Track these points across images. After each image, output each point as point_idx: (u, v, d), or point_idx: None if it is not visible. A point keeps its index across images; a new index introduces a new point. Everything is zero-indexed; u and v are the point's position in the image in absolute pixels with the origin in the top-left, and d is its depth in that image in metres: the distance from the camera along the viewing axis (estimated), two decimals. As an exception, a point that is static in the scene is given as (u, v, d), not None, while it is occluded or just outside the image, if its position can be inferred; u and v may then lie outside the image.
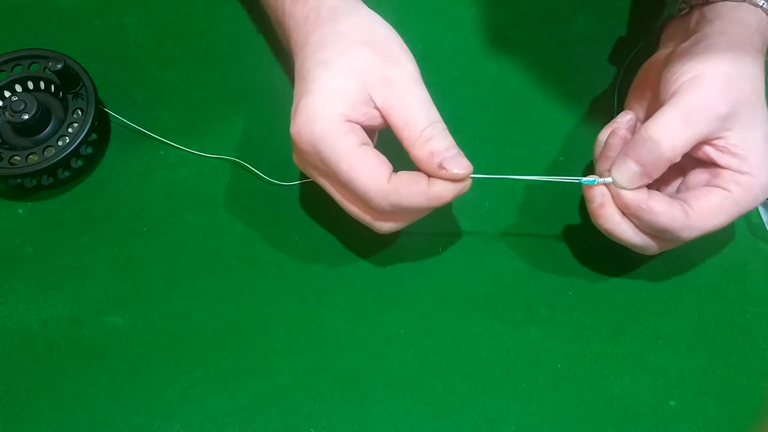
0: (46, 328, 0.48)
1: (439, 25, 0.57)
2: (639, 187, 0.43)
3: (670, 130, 0.42)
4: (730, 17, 0.45)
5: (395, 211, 0.43)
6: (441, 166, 0.41)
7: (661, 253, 0.46)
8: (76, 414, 0.46)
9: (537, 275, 0.50)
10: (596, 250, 0.50)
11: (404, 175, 0.42)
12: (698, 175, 0.45)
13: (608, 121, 0.48)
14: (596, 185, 0.44)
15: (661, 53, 0.49)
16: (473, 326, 0.48)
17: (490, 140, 0.53)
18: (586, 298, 0.49)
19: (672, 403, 0.46)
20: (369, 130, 0.44)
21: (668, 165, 0.43)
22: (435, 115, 0.42)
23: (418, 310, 0.49)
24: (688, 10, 0.49)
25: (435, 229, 0.51)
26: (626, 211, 0.44)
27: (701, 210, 0.42)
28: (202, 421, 0.46)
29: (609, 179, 0.43)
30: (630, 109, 0.49)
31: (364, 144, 0.42)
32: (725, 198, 0.42)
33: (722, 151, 0.43)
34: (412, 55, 0.44)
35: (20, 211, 0.51)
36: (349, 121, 0.42)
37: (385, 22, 0.45)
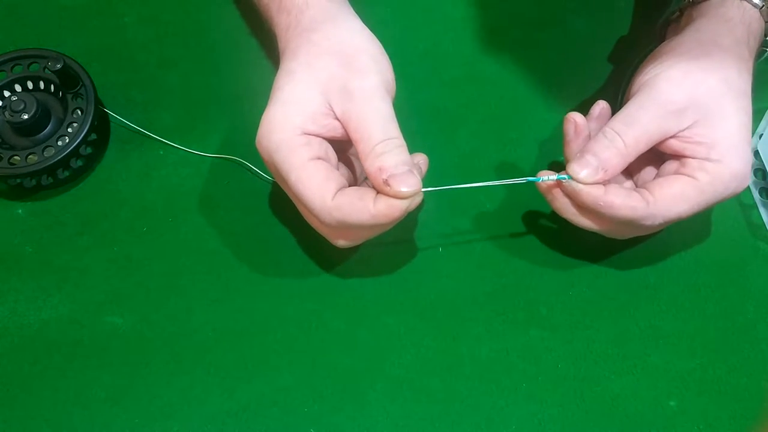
0: (45, 328, 0.48)
1: (440, 25, 0.57)
2: (596, 182, 0.42)
3: (625, 129, 0.43)
4: (711, 14, 0.46)
5: (343, 227, 0.42)
6: (386, 183, 0.40)
7: (650, 237, 0.47)
8: (75, 414, 0.46)
9: (537, 275, 0.50)
10: (597, 250, 0.50)
11: (350, 192, 0.41)
12: (670, 166, 0.45)
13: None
14: (546, 182, 0.44)
15: None
16: (473, 326, 0.48)
17: (490, 140, 0.53)
18: (587, 298, 0.49)
19: (672, 403, 0.46)
20: (337, 142, 0.43)
21: (625, 163, 0.43)
22: (393, 130, 0.41)
23: (418, 310, 0.49)
24: (679, 13, 0.49)
25: (435, 229, 0.51)
26: (585, 208, 0.43)
27: (663, 197, 0.42)
28: (201, 422, 0.46)
29: (556, 176, 0.43)
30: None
31: (317, 158, 0.42)
32: (689, 185, 0.42)
33: (687, 143, 0.43)
34: (387, 67, 0.44)
35: (20, 211, 0.51)
36: (306, 133, 0.42)
37: (367, 33, 0.45)
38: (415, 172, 0.41)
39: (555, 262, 0.50)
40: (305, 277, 0.49)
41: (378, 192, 0.41)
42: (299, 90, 0.42)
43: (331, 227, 0.43)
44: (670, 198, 0.42)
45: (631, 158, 0.43)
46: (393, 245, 0.50)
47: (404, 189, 0.40)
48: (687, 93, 0.42)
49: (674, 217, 0.42)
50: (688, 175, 0.42)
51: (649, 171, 0.47)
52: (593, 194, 0.42)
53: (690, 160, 0.43)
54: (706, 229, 0.51)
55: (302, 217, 0.46)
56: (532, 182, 0.44)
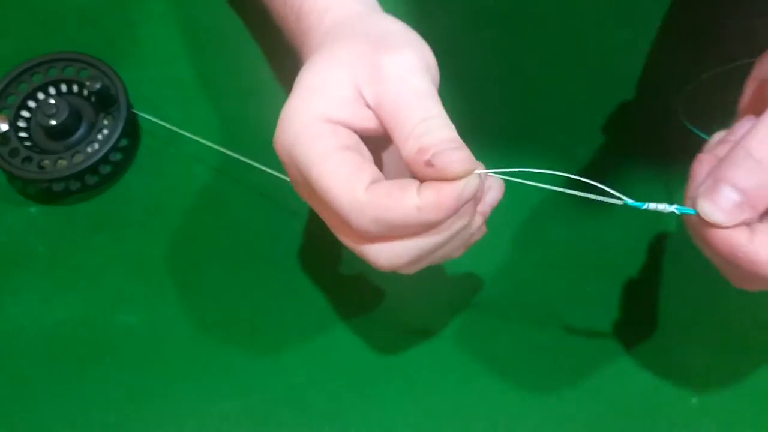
0: (59, 328, 0.48)
1: (465, 22, 0.56)
2: (737, 225, 0.31)
3: None
4: None
5: (381, 230, 0.33)
6: (429, 164, 0.31)
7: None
8: (90, 413, 0.45)
9: (556, 272, 0.49)
10: (615, 247, 0.50)
11: (387, 183, 0.32)
12: None
13: (639, 122, 0.44)
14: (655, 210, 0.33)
15: None
16: (489, 324, 0.48)
17: (517, 139, 0.52)
18: (606, 294, 0.48)
19: (694, 400, 0.46)
20: (373, 139, 0.36)
21: None
22: (434, 108, 0.33)
23: (433, 307, 0.48)
24: None
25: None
26: (716, 253, 0.32)
27: None
28: (216, 420, 0.45)
29: (674, 207, 0.32)
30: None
31: (346, 148, 0.33)
32: None
33: None
34: (424, 47, 0.36)
35: (33, 210, 0.51)
36: (331, 121, 0.34)
37: (400, 22, 0.38)
38: (467, 151, 0.32)
39: (574, 259, 0.50)
40: (319, 275, 0.49)
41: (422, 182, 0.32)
42: (321, 75, 0.35)
43: (366, 234, 0.33)
44: None
45: None
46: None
47: (455, 165, 0.31)
48: None
49: None
50: None
51: None
52: (733, 241, 0.31)
53: None
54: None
55: (320, 220, 0.39)
56: (631, 207, 0.32)
